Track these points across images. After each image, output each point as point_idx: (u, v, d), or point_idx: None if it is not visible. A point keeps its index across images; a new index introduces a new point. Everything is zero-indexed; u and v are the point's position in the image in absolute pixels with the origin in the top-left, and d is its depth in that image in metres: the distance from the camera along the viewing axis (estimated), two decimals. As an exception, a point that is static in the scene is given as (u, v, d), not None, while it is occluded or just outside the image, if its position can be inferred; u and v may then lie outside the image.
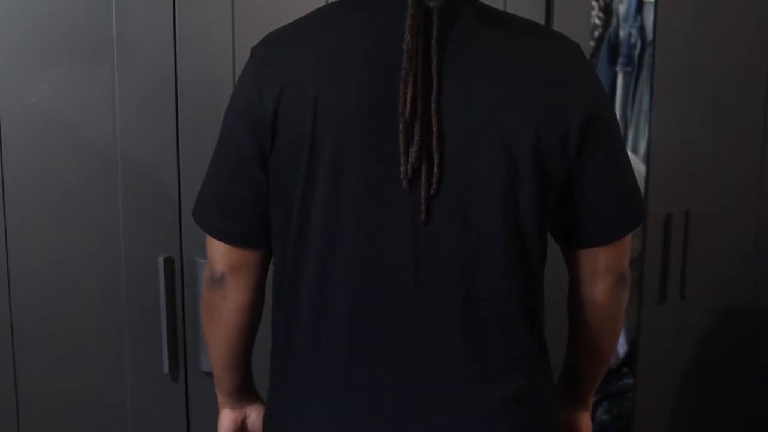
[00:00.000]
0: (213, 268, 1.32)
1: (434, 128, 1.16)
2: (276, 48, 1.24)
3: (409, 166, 1.16)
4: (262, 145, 1.22)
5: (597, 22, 3.36)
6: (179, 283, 1.73)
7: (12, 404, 1.67)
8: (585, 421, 1.50)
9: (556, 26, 1.99)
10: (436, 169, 1.17)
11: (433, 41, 1.16)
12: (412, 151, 1.16)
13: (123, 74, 1.64)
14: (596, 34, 3.36)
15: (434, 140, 1.16)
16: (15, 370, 1.66)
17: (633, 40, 3.30)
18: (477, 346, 1.23)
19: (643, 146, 3.19)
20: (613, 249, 1.32)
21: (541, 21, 1.98)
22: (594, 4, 3.31)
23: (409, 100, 1.14)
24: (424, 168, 1.17)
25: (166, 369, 1.73)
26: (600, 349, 1.42)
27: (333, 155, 1.18)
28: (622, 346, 2.87)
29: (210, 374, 1.75)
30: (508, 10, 1.92)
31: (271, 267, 1.33)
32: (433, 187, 1.17)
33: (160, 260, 1.70)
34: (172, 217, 1.71)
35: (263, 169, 1.24)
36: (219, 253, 1.31)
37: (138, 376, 1.73)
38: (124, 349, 1.72)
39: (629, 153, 3.15)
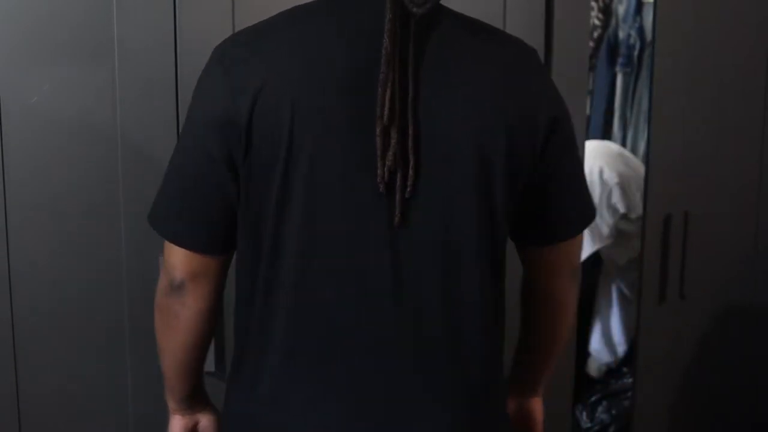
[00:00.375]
0: (172, 275, 1.28)
1: (410, 132, 1.17)
2: (249, 47, 1.22)
3: (386, 169, 1.16)
4: (232, 148, 1.19)
5: (596, 22, 3.37)
6: (180, 283, 1.73)
7: (13, 404, 1.67)
8: (539, 406, 1.56)
9: (556, 27, 1.99)
10: (411, 172, 1.17)
11: (410, 45, 1.17)
12: (389, 154, 1.16)
13: (123, 74, 1.64)
14: (596, 34, 3.36)
15: (410, 144, 1.17)
16: (16, 369, 1.66)
17: (632, 40, 3.31)
18: (455, 348, 1.25)
19: (642, 147, 3.20)
20: (571, 245, 1.38)
21: (541, 22, 1.98)
22: (593, 4, 3.31)
23: (387, 104, 1.15)
24: (399, 172, 1.17)
25: (166, 368, 1.73)
26: (556, 339, 1.47)
27: (311, 159, 1.17)
28: (621, 346, 2.87)
29: (211, 373, 1.75)
30: (508, 11, 1.93)
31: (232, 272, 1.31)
32: (408, 190, 1.18)
33: (161, 260, 1.70)
34: (173, 217, 1.71)
35: (230, 174, 1.21)
36: (178, 259, 1.27)
37: (138, 375, 1.73)
38: (124, 348, 1.71)
39: (629, 153, 3.16)
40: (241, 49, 1.22)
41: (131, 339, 1.71)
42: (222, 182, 1.21)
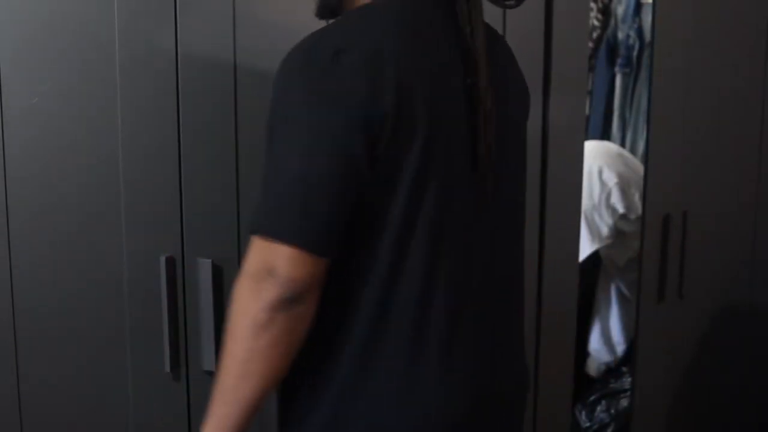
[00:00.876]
0: (289, 287, 1.19)
1: (494, 115, 1.30)
2: (373, 45, 1.21)
3: (484, 149, 1.29)
4: (373, 146, 1.19)
5: (596, 23, 3.37)
6: (181, 283, 1.73)
7: (14, 402, 1.67)
8: None
9: (556, 28, 1.99)
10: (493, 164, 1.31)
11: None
12: (488, 135, 1.28)
13: (125, 74, 1.64)
14: (595, 35, 3.36)
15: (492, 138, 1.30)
16: (17, 368, 1.66)
17: (631, 41, 3.31)
18: (519, 309, 1.47)
19: (641, 147, 3.19)
20: None
21: (541, 23, 1.98)
22: (593, 5, 3.31)
23: (489, 90, 1.28)
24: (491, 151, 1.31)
25: (167, 368, 1.73)
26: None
27: (442, 157, 1.24)
28: (620, 345, 2.87)
29: (211, 373, 1.75)
30: (508, 14, 1.93)
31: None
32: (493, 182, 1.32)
33: (162, 260, 1.70)
34: (174, 217, 1.71)
35: (365, 172, 1.20)
36: (301, 266, 1.20)
37: (140, 374, 1.73)
38: (126, 347, 1.71)
39: (628, 153, 3.16)
40: (365, 45, 1.21)
41: (133, 338, 1.71)
42: (355, 180, 1.20)
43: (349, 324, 1.27)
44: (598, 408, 2.76)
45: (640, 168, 2.79)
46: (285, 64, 1.24)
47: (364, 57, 1.19)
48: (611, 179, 2.80)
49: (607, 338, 2.89)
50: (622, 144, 3.34)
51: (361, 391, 1.27)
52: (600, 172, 2.80)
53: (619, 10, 3.36)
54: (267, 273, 1.20)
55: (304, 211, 1.20)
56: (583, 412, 2.77)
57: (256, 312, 1.21)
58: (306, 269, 1.20)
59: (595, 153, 2.89)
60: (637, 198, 2.76)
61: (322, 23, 1.38)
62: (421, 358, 1.27)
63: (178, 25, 1.66)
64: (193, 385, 1.77)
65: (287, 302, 1.20)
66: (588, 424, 2.76)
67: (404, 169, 1.22)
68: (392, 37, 1.22)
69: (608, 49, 3.37)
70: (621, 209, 2.78)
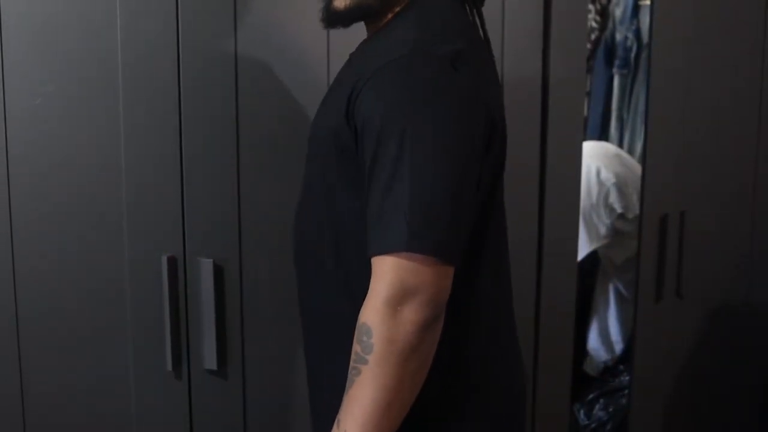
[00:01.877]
0: (436, 304, 1.15)
1: None
2: (465, 54, 1.20)
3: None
4: (490, 153, 1.23)
5: (594, 25, 3.37)
6: (182, 282, 1.73)
7: (17, 401, 1.67)
8: None
9: (554, 29, 1.99)
10: None
11: None
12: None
13: (127, 76, 1.64)
14: (593, 36, 3.36)
15: None
16: (20, 367, 1.66)
17: (629, 42, 3.31)
18: None
19: (639, 147, 3.20)
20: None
21: (539, 25, 1.98)
22: (591, 7, 3.31)
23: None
24: None
25: (169, 366, 1.73)
26: None
27: (502, 161, 1.33)
28: (619, 344, 2.87)
29: (212, 371, 1.75)
30: (507, 15, 1.93)
31: None
32: None
33: (164, 259, 1.70)
34: (175, 217, 1.71)
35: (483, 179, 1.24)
36: (444, 281, 1.15)
37: (142, 373, 1.73)
38: (128, 347, 1.71)
39: (625, 154, 3.15)
40: (463, 54, 1.19)
41: (135, 337, 1.71)
42: (479, 189, 1.22)
43: (472, 323, 1.28)
44: (597, 406, 2.76)
45: (637, 168, 2.79)
46: (407, 71, 1.17)
47: (474, 63, 1.20)
48: (609, 179, 2.80)
49: (605, 337, 2.89)
50: (620, 144, 3.34)
51: (490, 382, 1.32)
52: (598, 172, 2.80)
53: (617, 11, 3.36)
54: (409, 294, 1.13)
55: (450, 224, 1.14)
56: (582, 411, 2.77)
57: (405, 337, 1.14)
58: (447, 283, 1.16)
59: (593, 153, 2.89)
60: (634, 198, 2.76)
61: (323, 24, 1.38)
62: (511, 342, 1.40)
63: (179, 26, 1.66)
64: (195, 383, 1.76)
65: (433, 320, 1.15)
66: (587, 422, 2.76)
67: (493, 174, 1.28)
68: (469, 42, 1.25)
69: (606, 51, 3.37)
70: (619, 209, 2.78)
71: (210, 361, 1.74)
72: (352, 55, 1.39)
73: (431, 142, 1.14)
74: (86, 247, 1.67)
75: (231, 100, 1.70)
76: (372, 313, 1.14)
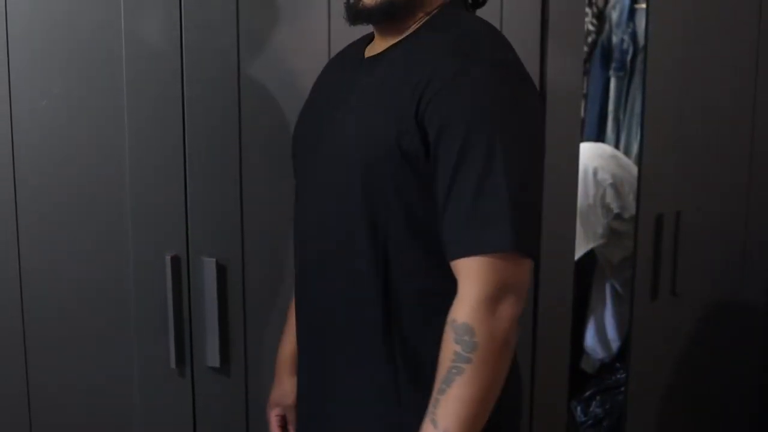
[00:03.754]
0: (525, 298, 1.20)
1: None
2: (519, 63, 1.29)
3: None
4: None
5: (591, 28, 3.36)
6: (185, 281, 1.72)
7: (23, 399, 1.67)
8: None
9: (551, 32, 1.98)
10: None
11: None
12: None
13: (131, 78, 1.64)
14: (590, 39, 3.36)
15: None
16: (26, 364, 1.66)
17: (625, 45, 3.30)
18: None
19: (635, 148, 3.19)
20: None
21: (537, 28, 1.98)
22: (588, 10, 3.31)
23: None
24: None
25: (173, 364, 1.73)
26: None
27: None
28: (615, 342, 2.86)
29: (215, 369, 1.75)
30: (505, 17, 1.93)
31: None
32: None
33: (167, 258, 1.70)
34: (179, 217, 1.71)
35: None
36: (530, 276, 1.21)
37: (146, 371, 1.73)
38: (132, 345, 1.71)
39: (622, 155, 3.15)
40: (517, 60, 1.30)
41: (139, 336, 1.71)
42: None
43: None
44: (594, 403, 2.75)
45: (633, 169, 2.79)
46: (491, 77, 1.21)
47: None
48: (606, 180, 2.79)
49: (602, 335, 2.88)
50: (617, 145, 3.33)
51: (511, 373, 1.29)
52: (595, 173, 2.80)
53: (614, 14, 3.36)
54: (506, 291, 1.18)
55: (537, 222, 1.22)
56: (579, 408, 2.77)
57: (503, 333, 1.18)
58: (529, 277, 1.22)
59: (590, 154, 2.88)
60: (631, 198, 2.75)
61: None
62: None
63: (183, 28, 1.66)
64: (198, 381, 1.76)
65: (517, 318, 1.20)
66: (583, 419, 2.76)
67: None
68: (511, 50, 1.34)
69: (603, 53, 3.37)
70: (615, 209, 2.78)
71: (213, 359, 1.74)
72: (376, 58, 1.35)
73: (518, 147, 1.19)
74: (91, 246, 1.67)
75: (234, 101, 1.70)
76: (471, 312, 1.18)
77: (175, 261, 1.71)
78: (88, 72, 1.62)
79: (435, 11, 1.33)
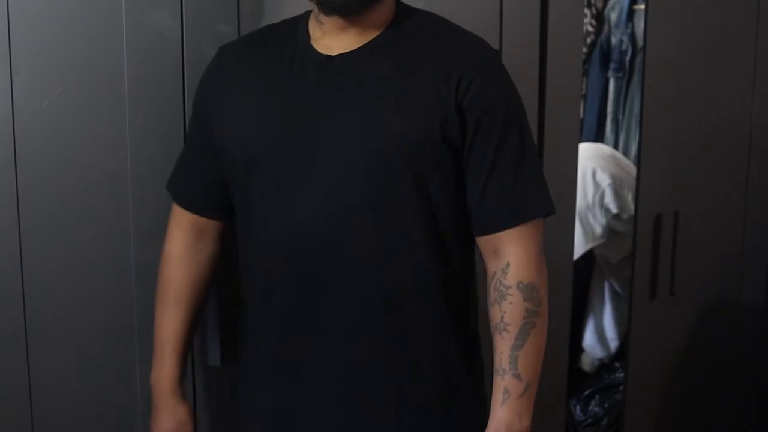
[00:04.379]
0: None
1: None
2: None
3: None
4: None
5: (589, 29, 3.37)
6: (187, 281, 1.72)
7: (25, 398, 1.67)
8: None
9: (551, 33, 1.98)
10: None
11: None
12: None
13: (132, 78, 1.64)
14: (589, 40, 3.36)
15: None
16: (28, 365, 1.66)
17: (624, 46, 3.31)
18: None
19: (633, 149, 3.19)
20: None
21: (536, 28, 1.98)
22: (587, 11, 3.31)
23: None
24: None
25: (174, 363, 1.73)
26: None
27: None
28: (614, 341, 2.87)
29: (216, 368, 1.75)
30: (504, 18, 1.93)
31: None
32: None
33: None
34: (180, 217, 1.70)
35: None
36: None
37: (147, 370, 1.72)
38: (134, 344, 1.71)
39: (620, 155, 3.15)
40: None
41: (140, 335, 1.71)
42: None
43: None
44: (592, 402, 2.75)
45: (632, 169, 2.79)
46: (502, 68, 1.40)
47: None
48: (604, 180, 2.79)
49: (600, 334, 2.88)
50: (615, 146, 3.34)
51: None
52: (594, 174, 2.80)
53: (612, 16, 3.36)
54: (542, 248, 1.40)
55: None
56: (578, 406, 2.77)
57: (547, 283, 1.40)
58: None
59: (589, 155, 2.88)
60: (629, 198, 2.76)
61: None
62: None
63: (184, 29, 1.66)
64: (199, 380, 1.76)
65: None
66: (582, 418, 2.76)
67: None
68: None
69: (602, 54, 3.37)
70: (614, 209, 2.78)
71: (214, 358, 1.74)
72: (358, 53, 1.36)
73: (528, 126, 1.40)
74: (93, 246, 1.67)
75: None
76: (534, 271, 1.37)
77: (177, 261, 1.70)
78: (90, 73, 1.62)
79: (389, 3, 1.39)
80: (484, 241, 1.40)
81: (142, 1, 1.63)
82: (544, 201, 1.39)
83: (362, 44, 1.37)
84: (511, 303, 1.36)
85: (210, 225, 1.53)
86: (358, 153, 1.33)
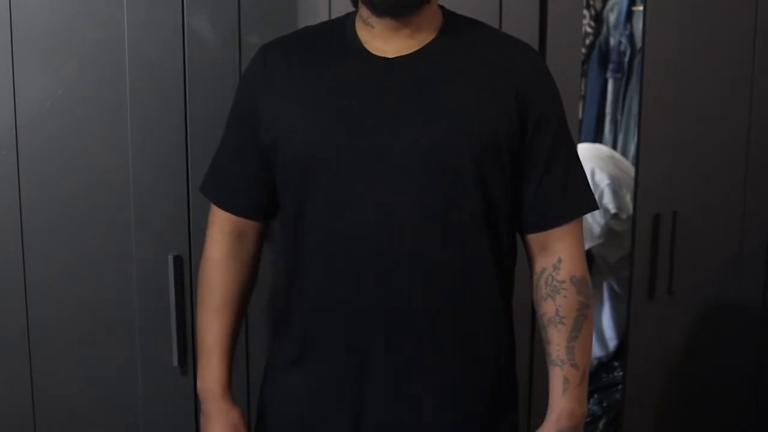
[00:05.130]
0: None
1: None
2: None
3: None
4: None
5: (588, 30, 3.36)
6: (188, 280, 1.73)
7: (28, 398, 1.67)
8: None
9: (550, 35, 1.99)
10: None
11: None
12: None
13: (134, 79, 1.64)
14: (588, 41, 3.36)
15: None
16: (30, 363, 1.66)
17: (623, 47, 3.31)
18: None
19: (632, 149, 3.19)
20: None
21: (535, 29, 1.98)
22: (585, 13, 3.31)
23: None
24: None
25: (175, 362, 1.73)
26: None
27: None
28: (612, 341, 2.87)
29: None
30: (504, 19, 1.93)
31: None
32: None
33: (170, 258, 1.70)
34: (182, 217, 1.71)
35: None
36: None
37: (149, 369, 1.73)
38: (135, 343, 1.71)
39: (619, 155, 3.15)
40: None
41: (142, 334, 1.71)
42: None
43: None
44: (591, 401, 2.75)
45: (630, 169, 2.79)
46: (549, 71, 1.46)
47: None
48: (603, 180, 2.79)
49: (599, 334, 2.88)
50: (614, 146, 3.33)
51: None
52: (592, 174, 2.80)
53: (611, 17, 3.36)
54: None
55: None
56: (577, 405, 2.77)
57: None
58: None
59: (588, 155, 2.88)
60: (628, 198, 2.76)
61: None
62: None
63: (185, 30, 1.66)
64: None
65: None
66: (581, 417, 2.76)
67: None
68: None
69: (600, 55, 3.37)
70: (613, 209, 2.78)
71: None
72: (417, 56, 1.37)
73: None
74: (95, 246, 1.67)
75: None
76: (583, 265, 1.44)
77: (178, 261, 1.71)
78: (92, 74, 1.62)
79: (433, 5, 1.41)
80: (533, 238, 1.45)
81: (143, 3, 1.63)
82: (590, 198, 1.45)
83: (417, 48, 1.38)
84: (565, 297, 1.42)
85: (250, 226, 1.51)
86: (424, 156, 1.34)
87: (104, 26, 1.62)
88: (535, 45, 1.98)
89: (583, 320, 1.42)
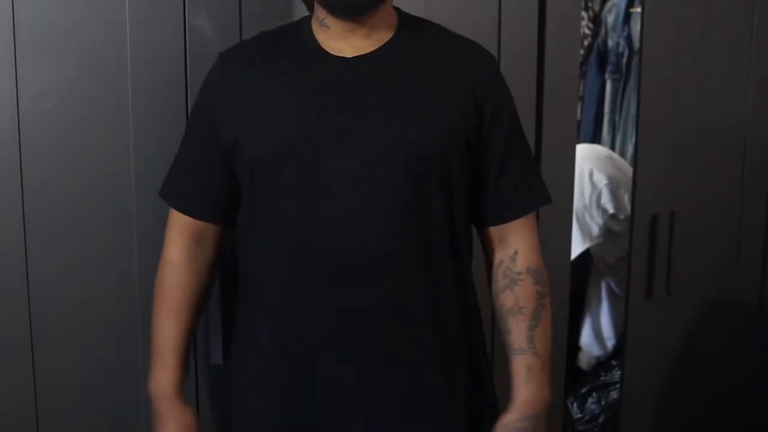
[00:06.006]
0: None
1: None
2: None
3: None
4: None
5: (586, 31, 3.36)
6: (189, 280, 1.72)
7: (31, 399, 1.67)
8: None
9: (548, 36, 1.99)
10: None
11: None
12: None
13: (136, 80, 1.64)
14: (586, 43, 3.36)
15: None
16: (33, 363, 1.66)
17: (621, 48, 3.30)
18: None
19: (630, 149, 3.19)
20: None
21: (534, 31, 1.98)
22: (584, 14, 3.31)
23: None
24: None
25: (176, 362, 1.72)
26: None
27: None
28: (610, 340, 2.87)
29: (218, 366, 1.75)
30: (503, 20, 1.93)
31: None
32: None
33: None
34: (183, 217, 1.70)
35: None
36: None
37: (150, 369, 1.73)
38: (137, 343, 1.71)
39: (617, 156, 3.15)
40: None
41: (144, 334, 1.71)
42: None
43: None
44: (590, 400, 2.75)
45: (629, 170, 2.79)
46: (500, 70, 1.48)
47: None
48: (601, 181, 2.80)
49: (597, 333, 2.88)
50: (612, 147, 3.33)
51: None
52: (591, 174, 2.80)
53: (609, 18, 3.36)
54: None
55: None
56: (575, 404, 2.77)
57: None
58: None
59: (586, 156, 2.88)
60: (626, 198, 2.76)
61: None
62: None
63: (187, 31, 1.66)
64: (202, 379, 1.76)
65: None
66: (579, 416, 2.76)
67: None
68: None
69: (598, 56, 3.37)
70: (611, 209, 2.78)
71: (216, 357, 1.74)
72: (375, 55, 1.38)
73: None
74: (97, 246, 1.67)
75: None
76: (540, 256, 1.47)
77: (179, 260, 1.70)
78: (93, 75, 1.62)
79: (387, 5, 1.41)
80: (490, 232, 1.47)
81: (145, 3, 1.63)
82: (544, 191, 1.49)
83: (376, 47, 1.39)
84: (523, 288, 1.44)
85: (210, 230, 1.50)
86: (387, 154, 1.34)
87: (106, 26, 1.62)
88: (534, 46, 1.98)
89: (542, 309, 1.44)
